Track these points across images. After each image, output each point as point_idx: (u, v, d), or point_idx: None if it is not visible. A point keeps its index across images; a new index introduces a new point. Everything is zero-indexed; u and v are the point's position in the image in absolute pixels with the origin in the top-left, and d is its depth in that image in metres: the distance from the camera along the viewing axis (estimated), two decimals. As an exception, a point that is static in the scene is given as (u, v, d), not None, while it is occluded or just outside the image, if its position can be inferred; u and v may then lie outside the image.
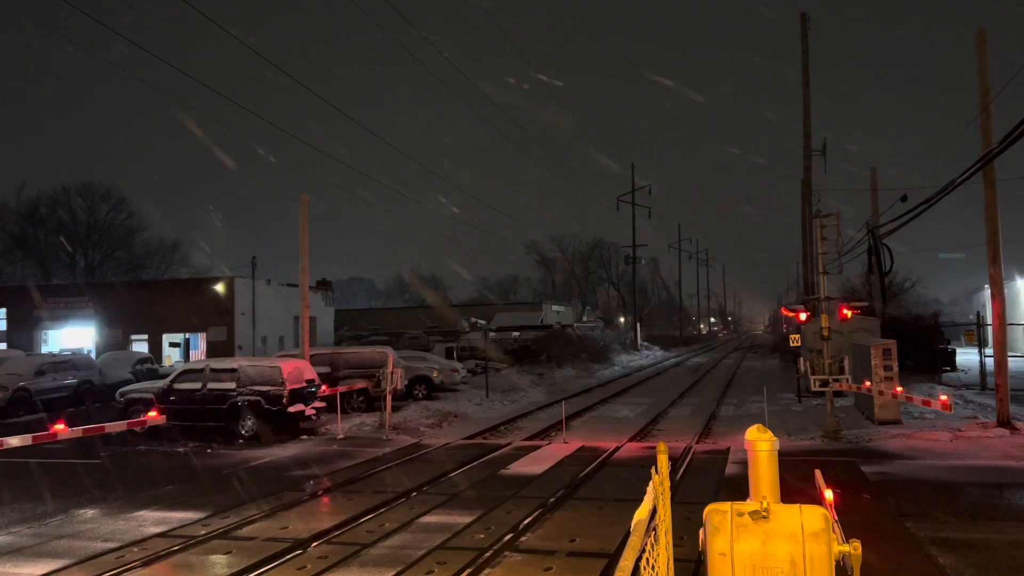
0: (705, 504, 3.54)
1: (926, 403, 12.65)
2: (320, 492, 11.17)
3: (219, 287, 43.41)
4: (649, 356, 56.86)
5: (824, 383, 15.31)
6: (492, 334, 40.30)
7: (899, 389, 14.43)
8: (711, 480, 11.49)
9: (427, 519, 9.29)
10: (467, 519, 9.16)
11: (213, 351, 41.17)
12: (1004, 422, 15.01)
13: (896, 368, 16.67)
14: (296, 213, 19.86)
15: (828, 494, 4.21)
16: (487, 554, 7.70)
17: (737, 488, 10.15)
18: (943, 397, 11.91)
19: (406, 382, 22.19)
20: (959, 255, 58.29)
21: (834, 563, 3.29)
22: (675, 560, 3.96)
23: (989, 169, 15.17)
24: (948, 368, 25.80)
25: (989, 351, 19.84)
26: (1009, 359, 15.98)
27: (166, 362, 40.84)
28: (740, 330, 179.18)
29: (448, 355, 33.91)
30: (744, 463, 3.90)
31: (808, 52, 28.11)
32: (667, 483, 3.51)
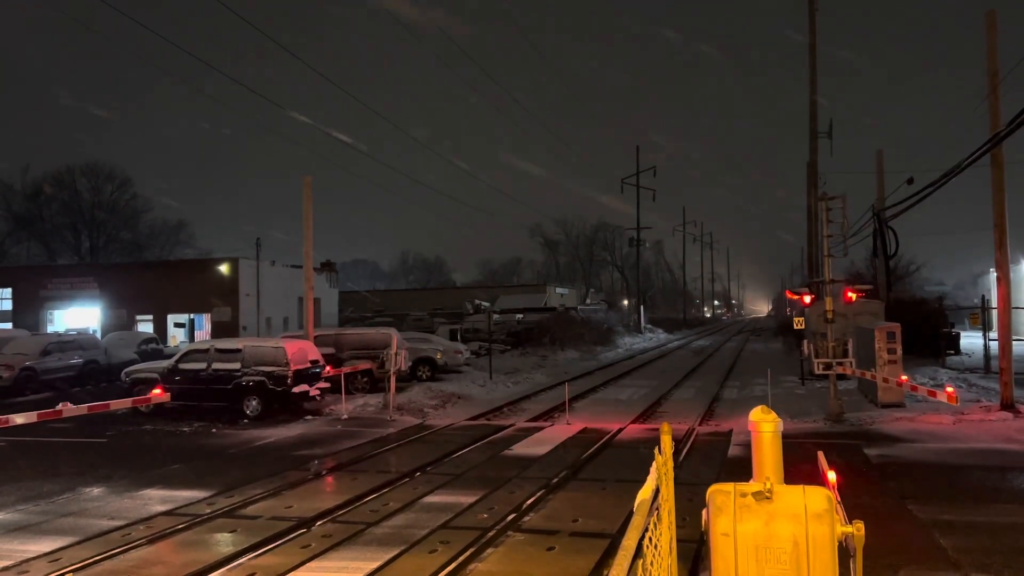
0: (708, 485, 3.54)
1: (932, 394, 12.62)
2: (324, 472, 11.23)
3: (224, 268, 43.47)
4: (652, 339, 56.87)
5: (828, 366, 15.30)
6: (496, 316, 40.37)
7: (904, 378, 14.43)
8: (714, 462, 11.52)
9: (431, 499, 9.34)
10: (470, 499, 9.21)
11: (218, 331, 41.33)
12: (1007, 405, 15.01)
13: (900, 351, 16.65)
14: (301, 194, 19.84)
15: (831, 476, 4.21)
16: (490, 533, 7.74)
17: (740, 470, 10.17)
18: (949, 389, 11.83)
19: (410, 363, 22.22)
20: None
21: (837, 544, 3.29)
22: (678, 541, 3.97)
23: (997, 151, 15.06)
24: (952, 352, 25.74)
25: (993, 335, 19.80)
26: (1013, 343, 15.94)
27: (171, 342, 41.00)
28: (744, 313, 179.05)
29: (452, 337, 33.96)
30: (747, 445, 3.90)
31: (816, 32, 27.88)
32: (670, 464, 3.51)
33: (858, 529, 3.31)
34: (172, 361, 17.78)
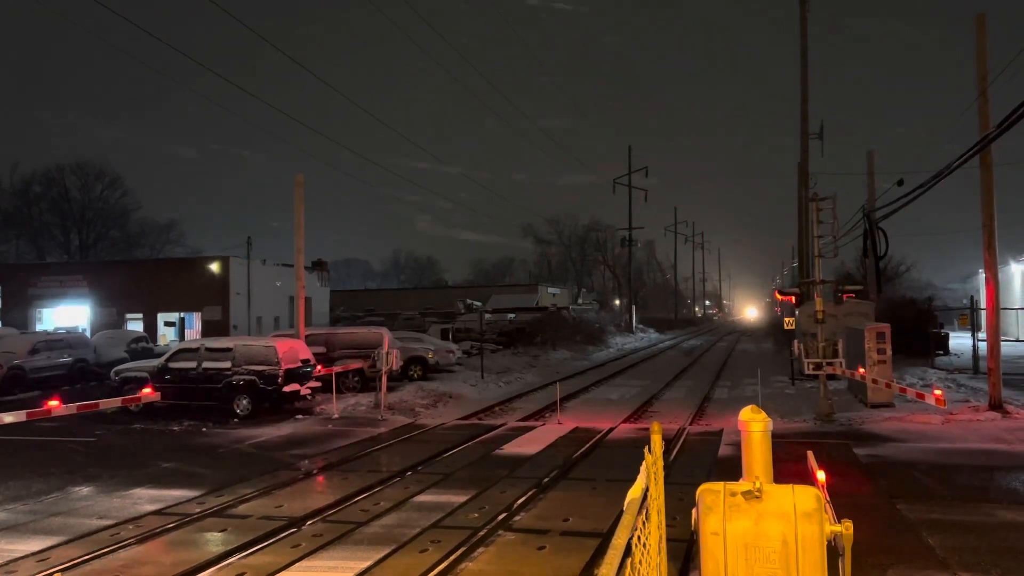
0: (698, 485, 3.55)
1: (920, 396, 12.67)
2: (315, 471, 11.20)
3: (214, 267, 43.29)
4: (644, 338, 56.96)
5: (818, 366, 15.36)
6: (487, 316, 40.35)
7: (893, 383, 14.47)
8: (704, 461, 11.55)
9: (421, 498, 9.34)
10: (461, 499, 9.21)
11: (208, 330, 41.14)
12: (996, 406, 15.10)
13: (890, 352, 16.74)
14: (292, 192, 19.79)
15: (820, 475, 4.24)
16: (481, 533, 7.75)
17: (730, 469, 10.21)
18: (937, 391, 11.89)
19: (401, 363, 22.19)
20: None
21: (826, 543, 3.31)
22: (668, 540, 3.98)
23: (986, 153, 15.14)
24: (941, 352, 25.90)
25: (982, 335, 19.92)
26: (1001, 343, 16.04)
27: (161, 341, 40.80)
28: (735, 313, 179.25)
29: (444, 336, 33.92)
30: (737, 445, 3.91)
31: (807, 35, 27.97)
32: (660, 463, 3.52)
33: (847, 528, 3.33)
34: (162, 360, 17.70)
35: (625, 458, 11.65)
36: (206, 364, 17.05)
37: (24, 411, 10.27)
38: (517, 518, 8.40)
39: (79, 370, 25.15)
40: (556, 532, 7.81)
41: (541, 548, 7.29)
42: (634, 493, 2.97)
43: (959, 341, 29.17)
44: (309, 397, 17.73)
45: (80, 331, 36.17)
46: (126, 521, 8.45)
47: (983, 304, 17.76)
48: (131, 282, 44.06)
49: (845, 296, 16.99)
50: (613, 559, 2.23)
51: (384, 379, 17.55)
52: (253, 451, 12.98)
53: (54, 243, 64.88)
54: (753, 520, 3.30)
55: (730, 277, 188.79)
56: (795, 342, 16.81)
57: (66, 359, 24.90)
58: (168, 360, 17.52)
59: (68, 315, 44.43)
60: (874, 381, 15.37)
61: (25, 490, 10.08)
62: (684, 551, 6.83)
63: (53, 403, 10.49)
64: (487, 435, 14.17)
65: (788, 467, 9.43)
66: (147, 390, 13.41)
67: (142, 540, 7.74)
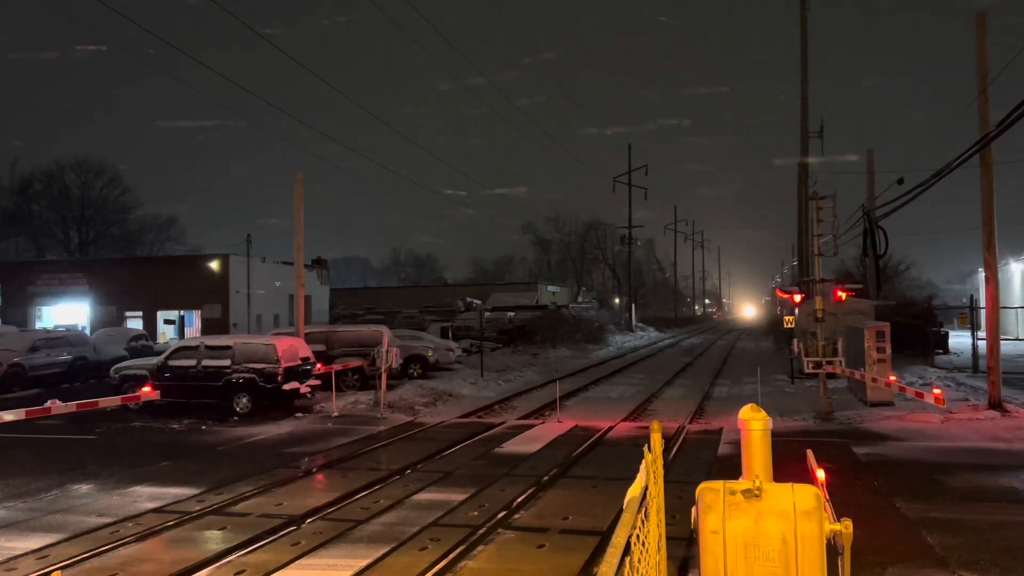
0: (698, 483, 3.55)
1: (919, 395, 12.67)
2: (314, 469, 11.21)
3: (214, 264, 43.26)
4: (644, 337, 56.94)
5: (817, 365, 15.37)
6: (487, 314, 40.36)
7: (892, 379, 14.47)
8: (704, 460, 11.56)
9: (421, 496, 9.34)
10: (461, 497, 9.21)
11: (208, 328, 41.12)
12: (995, 404, 15.10)
13: (889, 351, 16.74)
14: (292, 190, 19.79)
15: (820, 474, 4.24)
16: (481, 531, 7.75)
17: (730, 468, 10.21)
18: (937, 390, 11.87)
19: (401, 361, 22.19)
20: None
21: (825, 542, 3.31)
22: (668, 538, 3.98)
23: (986, 152, 15.14)
24: (941, 351, 25.94)
25: (981, 334, 19.92)
26: (1001, 342, 16.04)
27: (161, 339, 40.77)
28: (734, 312, 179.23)
29: (443, 335, 33.90)
30: (737, 443, 3.91)
31: (807, 34, 27.97)
32: (660, 461, 3.52)
33: (846, 527, 3.33)
34: (162, 358, 17.69)
35: (625, 456, 11.64)
36: (206, 362, 17.05)
37: (23, 409, 10.27)
38: (517, 516, 8.40)
39: (79, 368, 25.14)
40: (556, 530, 7.81)
41: (541, 546, 7.29)
42: (634, 491, 2.97)
43: (959, 340, 29.19)
44: (309, 395, 17.73)
45: (80, 329, 36.13)
46: (125, 519, 8.45)
47: (983, 303, 17.76)
48: (131, 280, 44.02)
49: (845, 294, 16.93)
50: (613, 557, 2.22)
51: (384, 377, 17.56)
52: (253, 449, 12.98)
53: (54, 240, 64.82)
54: (753, 519, 3.30)
55: (730, 275, 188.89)
56: (795, 341, 16.82)
57: (66, 357, 24.88)
58: (168, 358, 17.51)
59: (68, 313, 44.40)
60: (873, 379, 15.37)
61: (24, 488, 10.08)
62: (684, 549, 6.84)
63: (53, 401, 10.50)
64: (487, 433, 14.17)
65: (788, 466, 9.43)
66: (147, 388, 13.42)
67: (141, 538, 7.74)
